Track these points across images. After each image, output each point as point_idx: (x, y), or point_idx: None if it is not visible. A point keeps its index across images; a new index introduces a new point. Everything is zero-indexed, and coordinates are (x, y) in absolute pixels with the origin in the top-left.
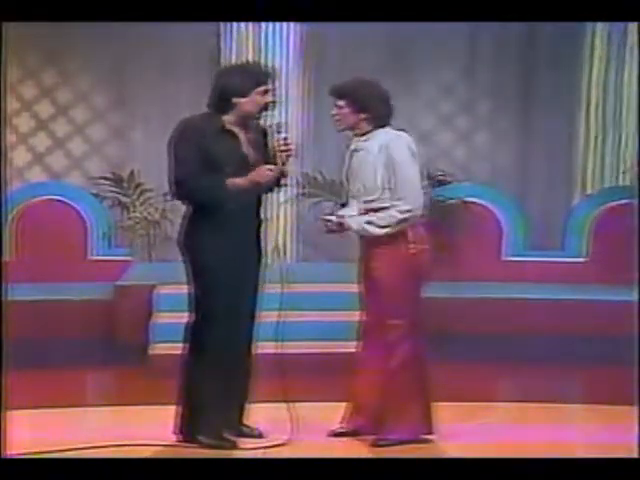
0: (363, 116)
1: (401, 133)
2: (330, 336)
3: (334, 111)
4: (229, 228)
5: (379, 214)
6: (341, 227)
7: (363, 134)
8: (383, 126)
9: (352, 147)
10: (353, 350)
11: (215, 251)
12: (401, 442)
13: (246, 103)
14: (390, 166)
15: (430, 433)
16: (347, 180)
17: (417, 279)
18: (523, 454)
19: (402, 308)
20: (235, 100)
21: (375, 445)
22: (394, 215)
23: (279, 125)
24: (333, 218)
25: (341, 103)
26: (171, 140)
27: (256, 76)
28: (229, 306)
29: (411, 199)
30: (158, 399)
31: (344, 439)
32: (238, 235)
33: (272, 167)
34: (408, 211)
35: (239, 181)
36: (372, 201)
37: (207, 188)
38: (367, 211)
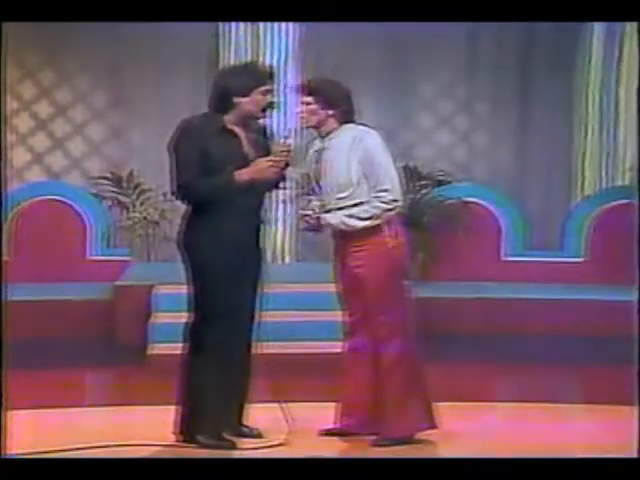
0: (331, 112)
1: (368, 128)
2: (330, 336)
3: (300, 108)
4: (228, 228)
5: (359, 207)
6: (318, 223)
7: (328, 132)
8: (347, 123)
9: (318, 146)
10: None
11: (214, 251)
12: (401, 441)
13: (247, 103)
14: (368, 159)
15: (433, 427)
16: (315, 179)
17: (397, 274)
18: (523, 454)
19: (387, 304)
20: (236, 100)
21: (376, 445)
22: (379, 206)
23: (288, 132)
24: (311, 212)
25: (309, 99)
26: (172, 141)
27: (257, 76)
28: (228, 306)
29: (396, 190)
30: (157, 399)
31: (344, 439)
32: (237, 235)
33: (271, 158)
34: (394, 201)
35: (244, 175)
36: (345, 197)
37: (213, 188)
38: (340, 208)
